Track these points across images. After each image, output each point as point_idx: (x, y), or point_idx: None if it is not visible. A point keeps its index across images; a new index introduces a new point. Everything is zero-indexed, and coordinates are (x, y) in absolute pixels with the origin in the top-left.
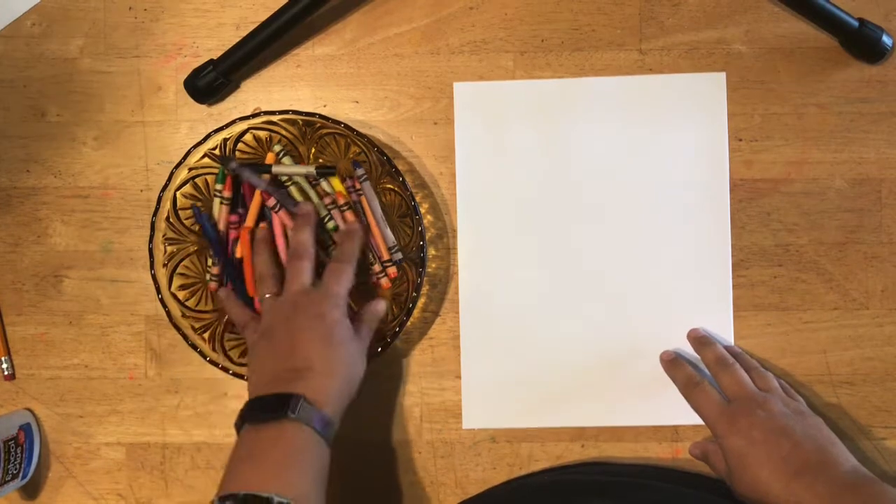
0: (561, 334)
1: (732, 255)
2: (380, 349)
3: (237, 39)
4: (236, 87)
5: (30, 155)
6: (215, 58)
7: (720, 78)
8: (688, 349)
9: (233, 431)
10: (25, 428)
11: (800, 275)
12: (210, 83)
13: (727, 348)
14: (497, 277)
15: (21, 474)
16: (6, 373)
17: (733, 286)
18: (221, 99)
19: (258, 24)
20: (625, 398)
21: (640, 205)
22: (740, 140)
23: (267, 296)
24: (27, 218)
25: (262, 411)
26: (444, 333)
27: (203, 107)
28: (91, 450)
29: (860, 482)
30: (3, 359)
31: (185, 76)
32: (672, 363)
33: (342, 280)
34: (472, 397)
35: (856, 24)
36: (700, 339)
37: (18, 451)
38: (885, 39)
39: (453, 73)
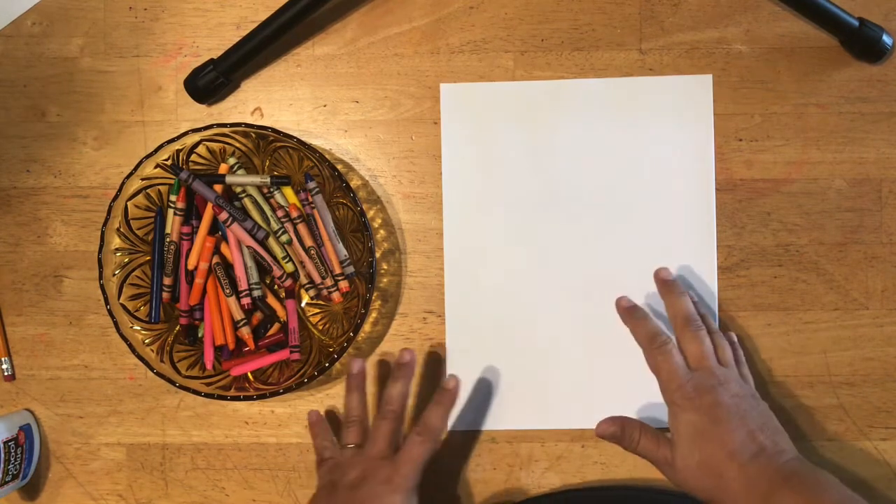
0: (551, 336)
1: (733, 256)
2: (327, 364)
3: (237, 39)
4: (236, 86)
5: (30, 155)
6: (215, 57)
7: (706, 80)
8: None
9: (232, 432)
10: (25, 428)
11: (800, 275)
12: (210, 83)
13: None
14: (484, 279)
15: (21, 475)
16: (6, 373)
17: (733, 286)
18: (221, 98)
19: (258, 23)
20: (623, 399)
21: (628, 206)
22: (740, 140)
23: (350, 446)
24: (27, 218)
25: None
26: (443, 334)
27: (203, 107)
28: (91, 450)
29: (807, 470)
30: (3, 359)
31: (185, 76)
32: (631, 312)
33: (420, 458)
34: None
35: (856, 23)
36: (669, 286)
37: (18, 451)
38: (885, 39)
39: (453, 73)
